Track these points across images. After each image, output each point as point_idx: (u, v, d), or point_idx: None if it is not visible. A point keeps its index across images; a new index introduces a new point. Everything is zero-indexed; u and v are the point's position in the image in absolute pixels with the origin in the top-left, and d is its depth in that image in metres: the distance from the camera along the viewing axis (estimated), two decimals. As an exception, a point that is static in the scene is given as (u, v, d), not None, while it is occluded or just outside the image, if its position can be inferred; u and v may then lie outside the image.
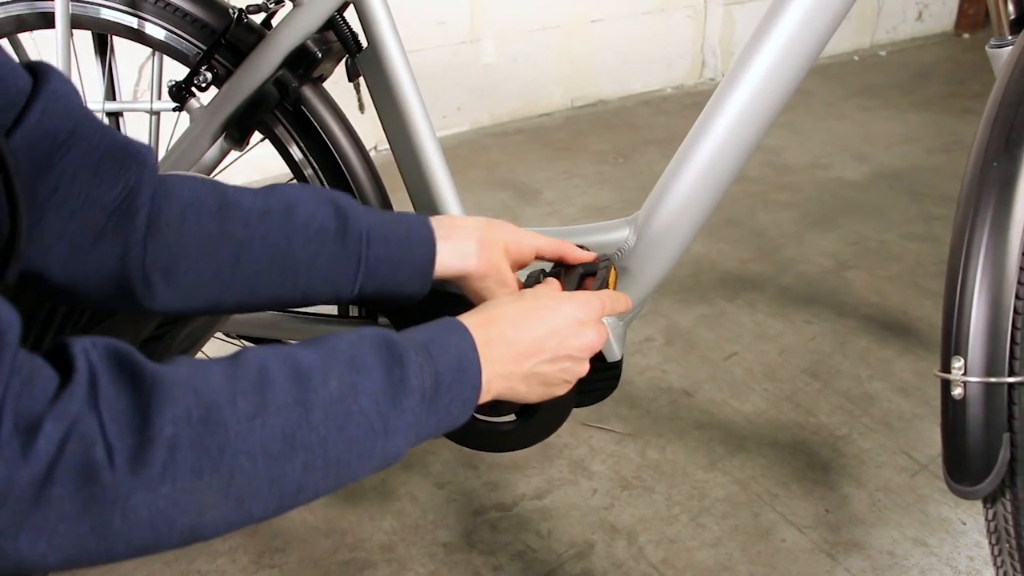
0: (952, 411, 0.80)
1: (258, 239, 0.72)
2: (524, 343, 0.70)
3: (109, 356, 0.49)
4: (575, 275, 0.90)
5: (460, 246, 0.82)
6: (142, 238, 0.69)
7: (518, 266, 0.90)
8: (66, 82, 0.66)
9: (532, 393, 0.72)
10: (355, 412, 0.56)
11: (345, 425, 0.56)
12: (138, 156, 0.69)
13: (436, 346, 0.63)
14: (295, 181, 1.16)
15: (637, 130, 3.16)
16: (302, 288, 0.76)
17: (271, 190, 0.76)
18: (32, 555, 0.46)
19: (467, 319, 0.68)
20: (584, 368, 0.76)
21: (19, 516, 0.44)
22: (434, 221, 0.83)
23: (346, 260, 0.76)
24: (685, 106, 3.41)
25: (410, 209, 1.10)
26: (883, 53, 4.08)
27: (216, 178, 1.16)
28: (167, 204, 0.70)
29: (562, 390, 0.75)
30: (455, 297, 0.89)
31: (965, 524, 1.34)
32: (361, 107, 1.14)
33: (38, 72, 0.65)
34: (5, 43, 1.29)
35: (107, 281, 0.69)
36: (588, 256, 0.91)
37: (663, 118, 3.29)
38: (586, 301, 0.76)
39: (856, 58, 4.01)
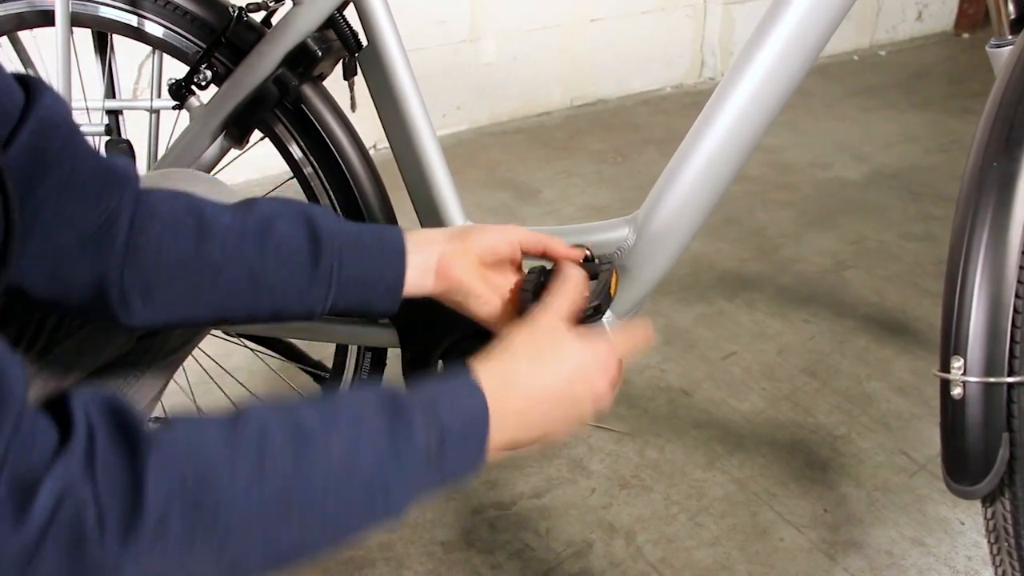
0: (951, 411, 0.80)
1: (234, 261, 0.73)
2: (539, 412, 0.67)
3: (107, 414, 0.49)
4: None
5: (422, 263, 0.81)
6: (121, 258, 0.69)
7: (511, 265, 0.88)
8: (58, 98, 0.66)
9: (531, 442, 0.69)
10: (355, 474, 0.55)
11: (344, 489, 0.55)
12: (122, 177, 0.70)
13: (443, 405, 0.61)
14: (294, 179, 1.16)
15: (636, 129, 3.16)
16: (276, 306, 0.76)
17: (248, 208, 0.76)
18: None
19: (484, 378, 0.64)
20: (591, 411, 0.72)
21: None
22: (407, 236, 0.82)
23: (318, 281, 0.76)
24: (684, 105, 3.41)
25: (410, 207, 1.10)
26: (883, 53, 4.08)
27: (217, 176, 1.16)
28: (148, 224, 0.70)
29: (568, 431, 0.72)
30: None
31: (963, 524, 1.34)
32: (353, 105, 1.14)
33: (30, 87, 0.64)
34: (5, 41, 1.29)
35: (87, 297, 0.70)
36: (577, 254, 0.89)
37: (662, 117, 3.29)
38: (606, 362, 0.71)
39: (856, 58, 4.01)
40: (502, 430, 0.64)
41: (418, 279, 0.81)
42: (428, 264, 0.82)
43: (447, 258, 0.82)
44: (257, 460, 0.51)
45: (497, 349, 0.69)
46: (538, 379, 0.67)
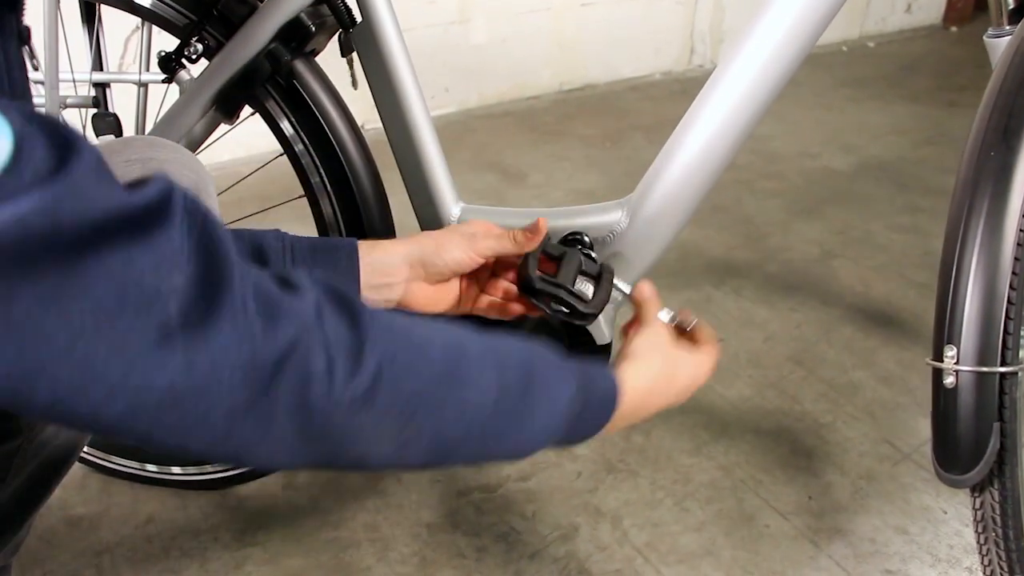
0: (943, 400, 0.80)
1: None
2: (645, 410, 0.76)
3: (329, 290, 0.53)
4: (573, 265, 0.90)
5: (384, 290, 0.83)
6: None
7: (477, 267, 0.88)
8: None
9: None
10: (522, 425, 0.61)
11: (507, 432, 0.61)
12: None
13: (593, 385, 0.68)
14: (284, 157, 1.15)
15: (625, 115, 3.15)
16: None
17: None
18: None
19: (627, 386, 0.72)
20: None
21: (257, 389, 0.47)
22: (362, 258, 0.82)
23: None
24: (673, 92, 3.40)
25: (401, 187, 1.09)
26: (871, 45, 4.09)
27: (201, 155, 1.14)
28: None
29: None
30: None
31: (946, 513, 1.35)
32: (354, 83, 1.13)
33: None
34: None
35: None
36: (532, 241, 0.87)
37: (651, 104, 3.28)
38: (705, 373, 0.82)
39: (845, 49, 4.01)
40: (618, 419, 0.72)
41: (384, 303, 0.84)
42: (393, 292, 0.84)
43: (409, 298, 0.84)
44: (449, 370, 0.56)
45: (640, 356, 0.77)
46: (657, 396, 0.76)
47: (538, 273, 0.83)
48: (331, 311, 0.51)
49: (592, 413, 0.68)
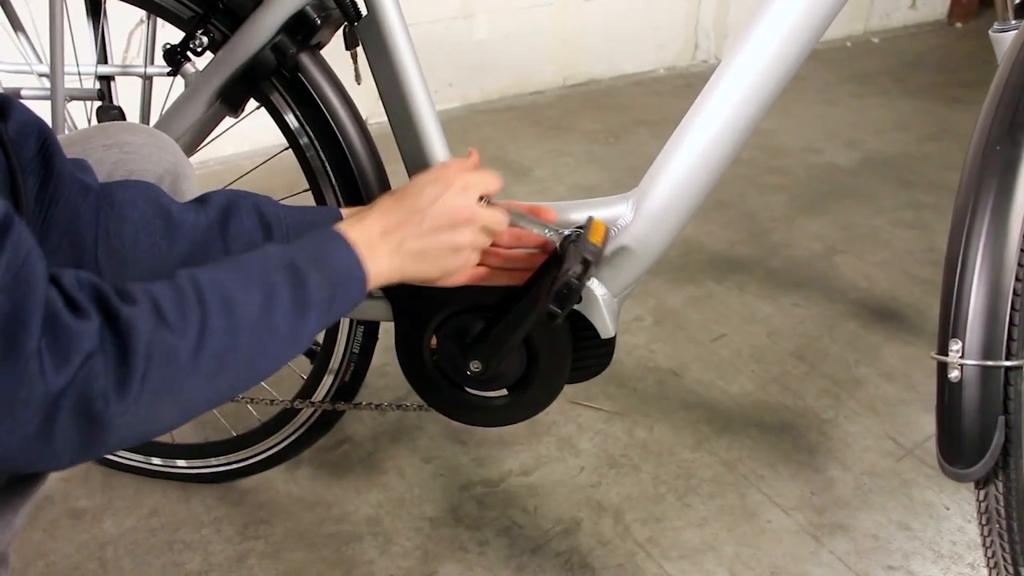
0: (948, 393, 0.80)
1: (201, 252, 0.79)
2: (396, 229, 0.79)
3: (111, 310, 0.55)
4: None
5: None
6: (94, 256, 0.75)
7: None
8: (28, 109, 0.71)
9: (430, 269, 0.82)
10: (272, 329, 0.65)
11: (265, 342, 0.65)
12: (91, 180, 0.76)
13: (328, 263, 0.73)
14: (289, 150, 1.14)
15: (628, 110, 3.15)
16: None
17: (206, 204, 0.82)
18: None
19: (349, 227, 0.77)
20: (469, 236, 0.83)
21: (46, 416, 0.52)
22: (346, 219, 0.85)
23: None
24: (677, 87, 3.40)
25: (406, 181, 1.09)
26: (876, 40, 4.08)
27: (207, 146, 1.15)
28: (121, 227, 0.76)
29: (457, 261, 0.83)
30: None
31: (948, 509, 1.35)
32: (358, 78, 1.12)
33: (2, 101, 0.69)
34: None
35: None
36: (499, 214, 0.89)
37: (655, 99, 3.28)
38: (442, 177, 0.83)
39: (849, 44, 4.00)
40: (376, 270, 0.77)
41: None
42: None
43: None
44: (201, 332, 0.60)
45: (363, 209, 0.83)
46: (392, 214, 0.80)
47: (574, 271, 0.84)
48: (109, 334, 0.55)
49: (344, 291, 0.73)
